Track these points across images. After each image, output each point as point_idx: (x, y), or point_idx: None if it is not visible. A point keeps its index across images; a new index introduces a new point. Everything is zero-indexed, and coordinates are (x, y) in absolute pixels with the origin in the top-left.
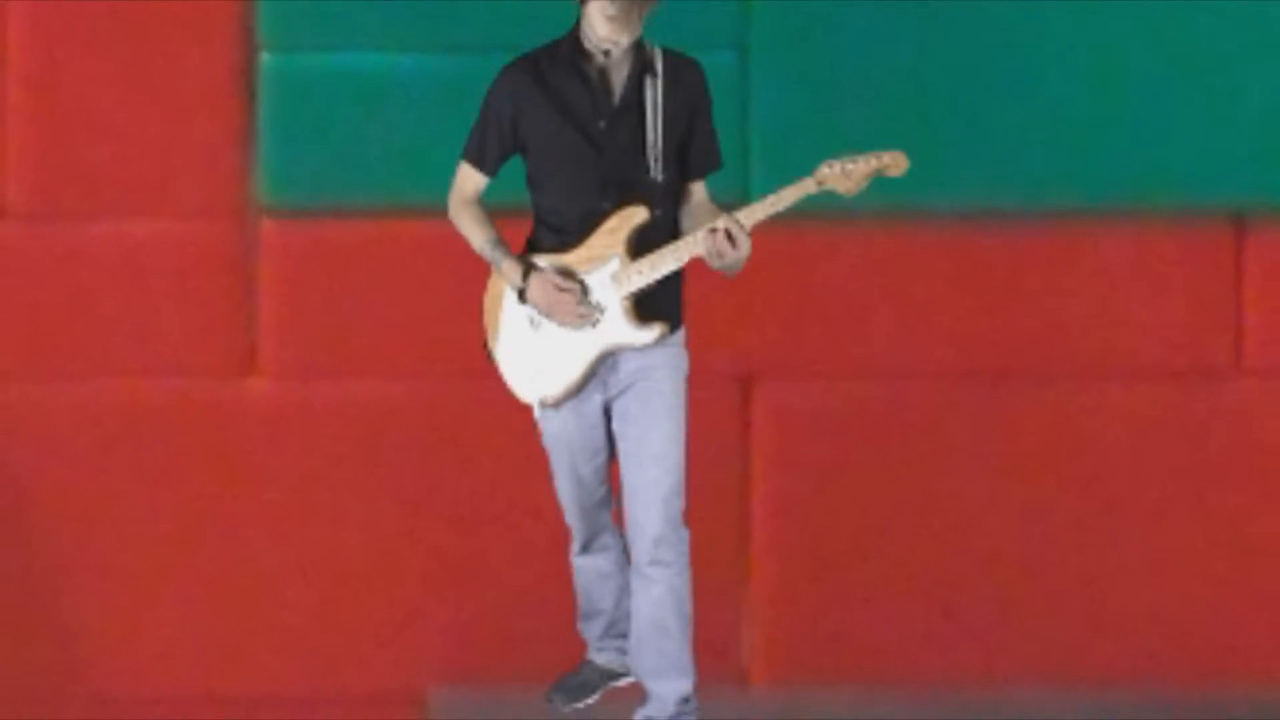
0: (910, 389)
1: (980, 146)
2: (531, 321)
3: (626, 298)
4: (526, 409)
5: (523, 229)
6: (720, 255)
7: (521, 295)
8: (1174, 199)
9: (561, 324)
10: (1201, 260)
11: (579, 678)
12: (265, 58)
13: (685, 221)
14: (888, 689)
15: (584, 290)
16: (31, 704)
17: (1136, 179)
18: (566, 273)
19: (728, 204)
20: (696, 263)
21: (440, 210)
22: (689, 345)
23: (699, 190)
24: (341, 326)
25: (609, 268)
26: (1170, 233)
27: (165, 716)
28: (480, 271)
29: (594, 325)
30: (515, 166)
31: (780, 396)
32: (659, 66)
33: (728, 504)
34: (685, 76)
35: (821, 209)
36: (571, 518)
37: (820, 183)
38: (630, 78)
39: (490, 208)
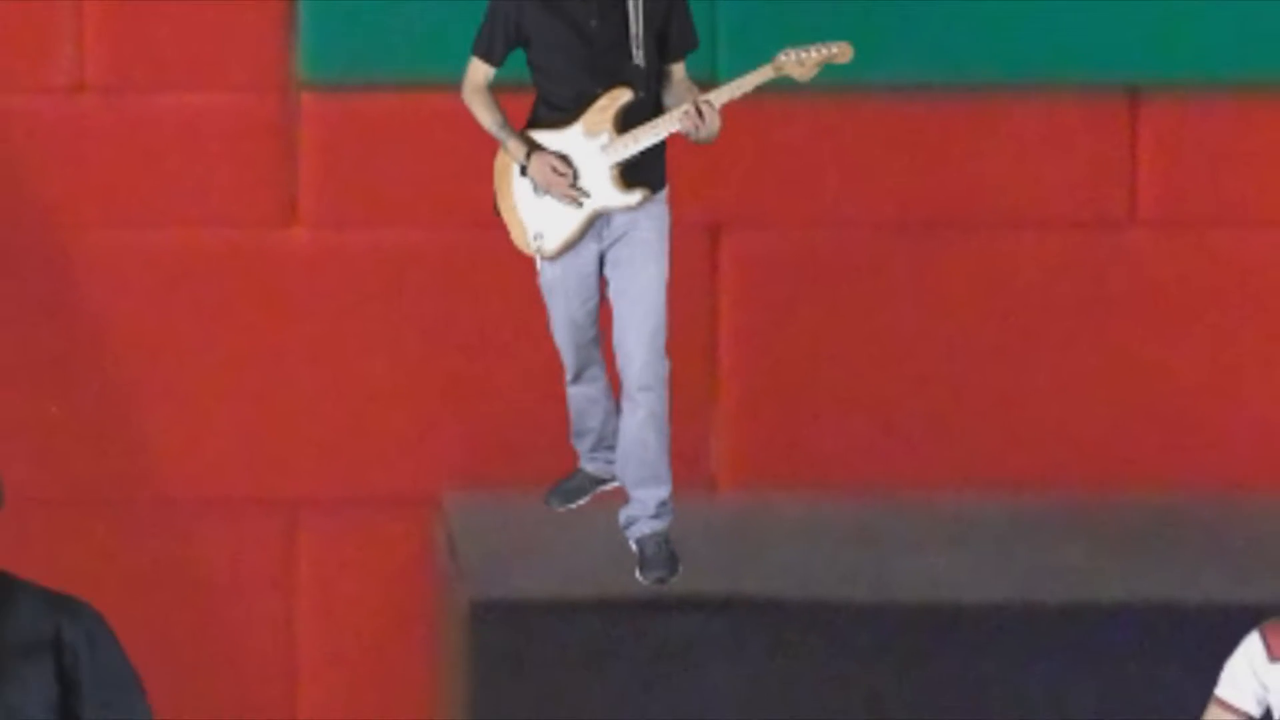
0: (854, 237)
1: (912, 30)
2: (534, 189)
3: (614, 166)
4: (529, 257)
5: (526, 104)
6: (695, 130)
7: (523, 170)
8: (1077, 74)
9: (556, 198)
10: (1101, 127)
11: (572, 483)
12: None
13: (667, 99)
14: (836, 492)
15: (577, 173)
16: (103, 506)
17: (1045, 56)
18: (563, 157)
19: (699, 81)
20: (675, 133)
21: (458, 86)
22: (671, 202)
23: (678, 70)
24: (371, 184)
25: (600, 140)
26: (1074, 102)
27: (218, 517)
28: (492, 140)
29: (578, 205)
30: (517, 55)
31: (743, 244)
32: None
33: (699, 336)
34: None
35: (779, 85)
36: (565, 353)
37: (778, 69)
38: None
39: (497, 87)
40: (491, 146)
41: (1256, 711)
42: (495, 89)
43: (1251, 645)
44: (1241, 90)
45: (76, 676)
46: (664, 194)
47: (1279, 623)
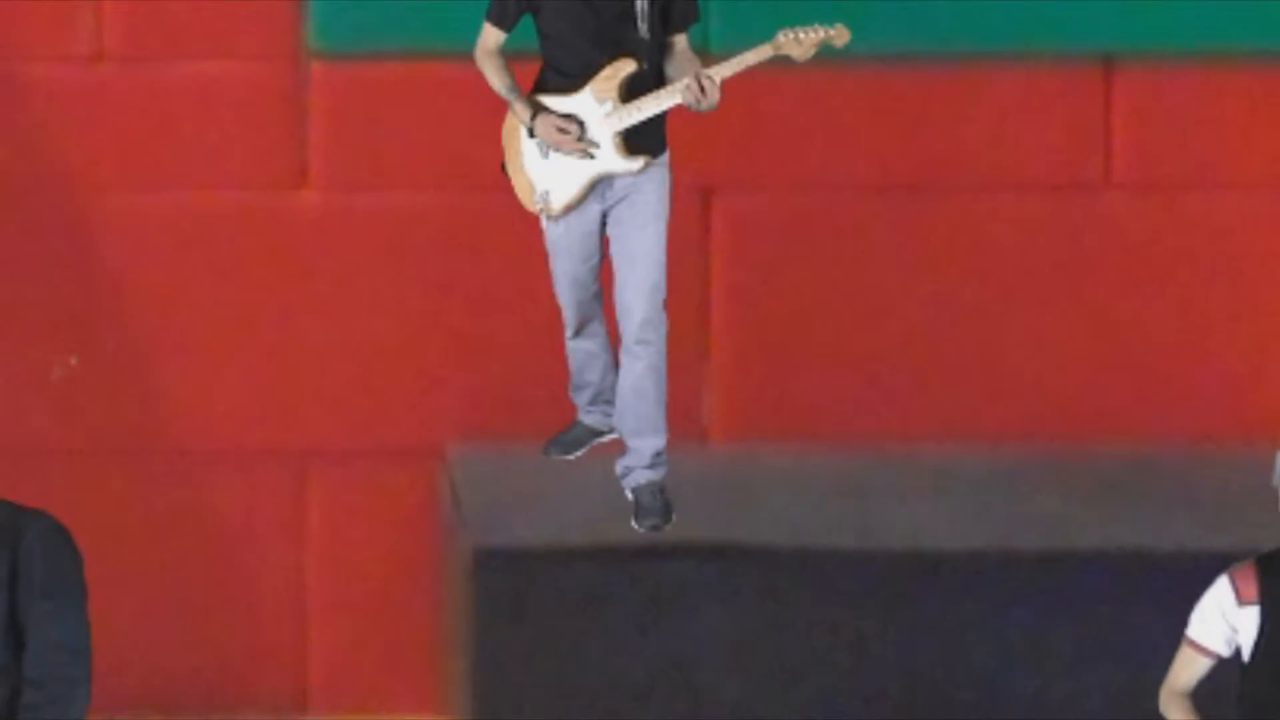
0: (840, 200)
1: (896, 2)
2: (541, 150)
3: (618, 133)
4: (533, 216)
5: (533, 70)
6: (696, 102)
7: (531, 132)
8: (1053, 43)
9: (565, 154)
10: (1077, 94)
11: (570, 434)
12: None
13: (669, 70)
14: (823, 444)
15: (581, 128)
16: (121, 456)
17: (1022, 27)
18: (568, 115)
19: (697, 52)
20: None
21: (464, 54)
22: (671, 166)
23: (681, 41)
24: (378, 149)
25: (604, 108)
26: (1051, 71)
27: (231, 467)
28: (495, 105)
29: (589, 157)
30: (526, 23)
31: (734, 206)
32: None
33: (692, 294)
34: None
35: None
36: (567, 308)
37: (777, 48)
38: None
39: (508, 54)
40: (494, 113)
41: (1226, 651)
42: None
43: (1220, 589)
44: (1211, 59)
45: (30, 574)
46: (665, 158)
47: (1246, 567)
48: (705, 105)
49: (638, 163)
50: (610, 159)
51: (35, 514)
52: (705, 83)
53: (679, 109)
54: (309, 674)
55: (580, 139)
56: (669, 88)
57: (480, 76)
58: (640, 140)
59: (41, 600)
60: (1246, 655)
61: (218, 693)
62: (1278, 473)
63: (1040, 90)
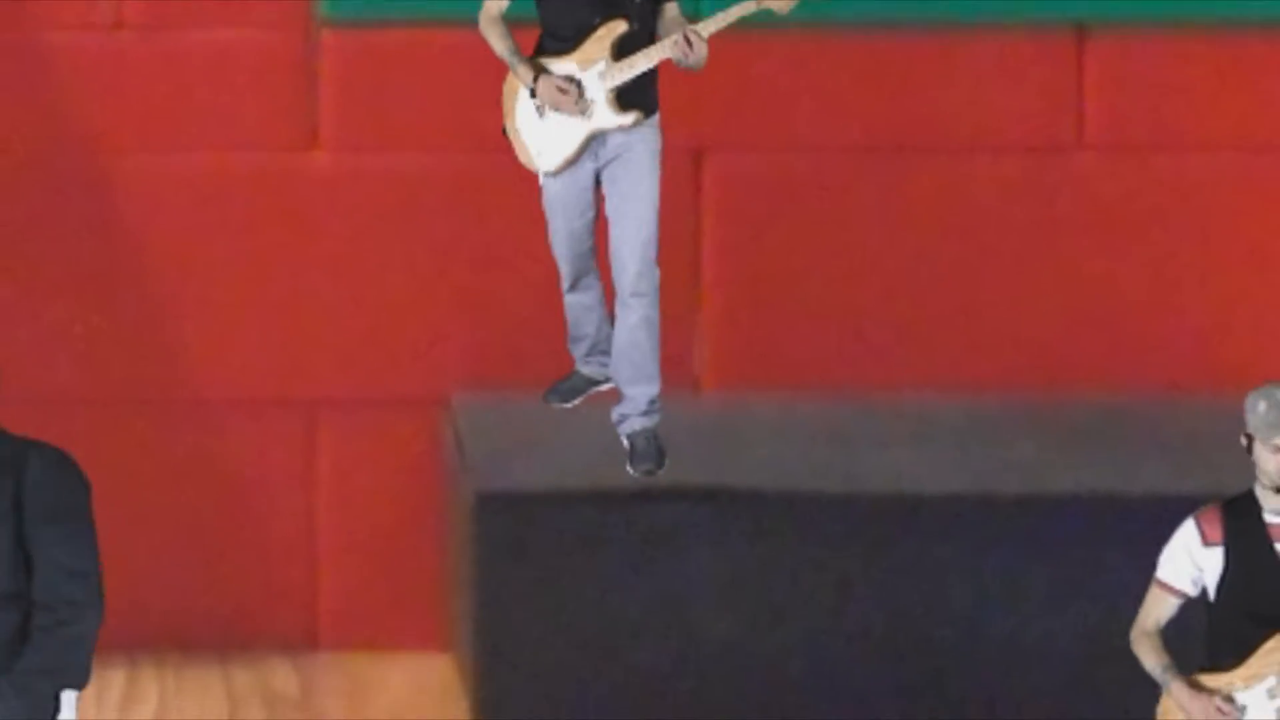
0: (826, 160)
1: None
2: (538, 111)
3: (611, 90)
4: (532, 176)
5: (533, 35)
6: (685, 57)
7: (532, 92)
8: (1029, 13)
9: (565, 114)
10: (1051, 60)
11: (569, 383)
12: None
13: (661, 35)
14: (809, 393)
15: (579, 88)
16: (141, 405)
17: None
18: (568, 76)
19: (687, 15)
20: (666, 63)
21: (465, 22)
22: (662, 127)
23: (672, 9)
24: (385, 113)
25: (598, 67)
26: (1026, 38)
27: (245, 416)
28: (495, 71)
29: (586, 115)
30: None
31: (725, 166)
32: None
33: (685, 249)
34: None
35: (758, 21)
36: (563, 263)
37: (760, 2)
38: None
39: (510, 21)
40: (497, 79)
41: (1193, 591)
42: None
43: (1187, 531)
44: (1179, 27)
45: (35, 500)
46: (656, 119)
47: (1211, 510)
48: (693, 60)
49: (630, 117)
50: (604, 115)
51: (39, 445)
52: (693, 38)
53: (671, 73)
54: (319, 612)
55: (578, 99)
56: (659, 44)
57: (483, 43)
58: (632, 97)
59: (46, 526)
60: (1212, 595)
61: (233, 630)
62: (1253, 417)
63: (1016, 57)
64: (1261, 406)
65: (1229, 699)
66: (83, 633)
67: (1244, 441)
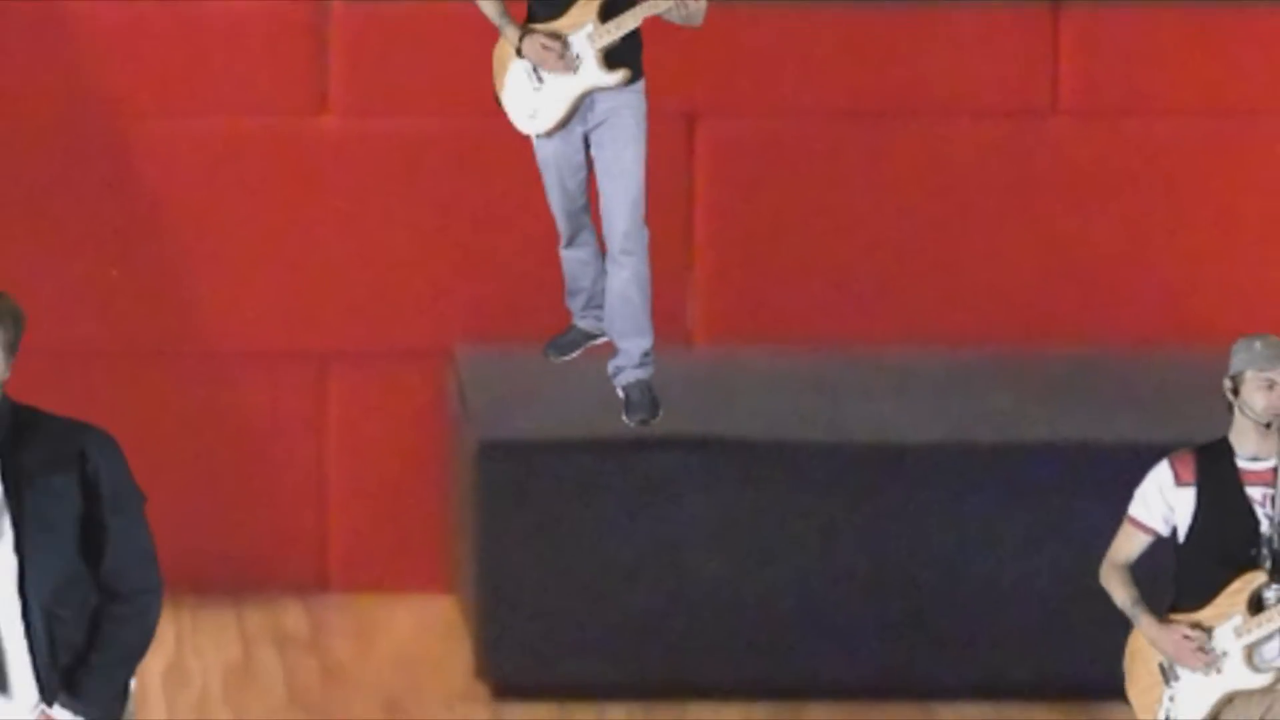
0: (813, 124)
1: None
2: (528, 75)
3: (599, 50)
4: (526, 138)
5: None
6: (681, 7)
7: (519, 52)
8: None
9: (549, 70)
10: (1027, 28)
11: (567, 337)
12: None
13: None
14: (796, 346)
15: (565, 46)
16: (158, 357)
17: None
18: (553, 35)
19: None
20: (658, 31)
21: None
22: (647, 94)
23: None
24: (392, 79)
25: (586, 29)
26: (1005, 8)
27: (258, 367)
28: (494, 40)
29: (575, 71)
30: None
31: (716, 130)
32: None
33: (678, 210)
34: None
35: None
36: (559, 221)
37: None
38: None
39: None
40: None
41: (1164, 530)
42: None
43: (1161, 471)
44: None
45: (99, 488)
46: (641, 85)
47: (1186, 453)
48: (691, 11)
49: (618, 76)
50: (592, 74)
51: (87, 430)
52: None
53: (666, 41)
54: (329, 555)
55: (563, 55)
56: (644, 3)
57: (483, 15)
58: (619, 57)
59: (113, 516)
60: (1182, 536)
61: (246, 573)
62: (1246, 354)
63: (993, 25)
64: (1258, 344)
65: (1195, 625)
66: (156, 618)
67: (1228, 386)
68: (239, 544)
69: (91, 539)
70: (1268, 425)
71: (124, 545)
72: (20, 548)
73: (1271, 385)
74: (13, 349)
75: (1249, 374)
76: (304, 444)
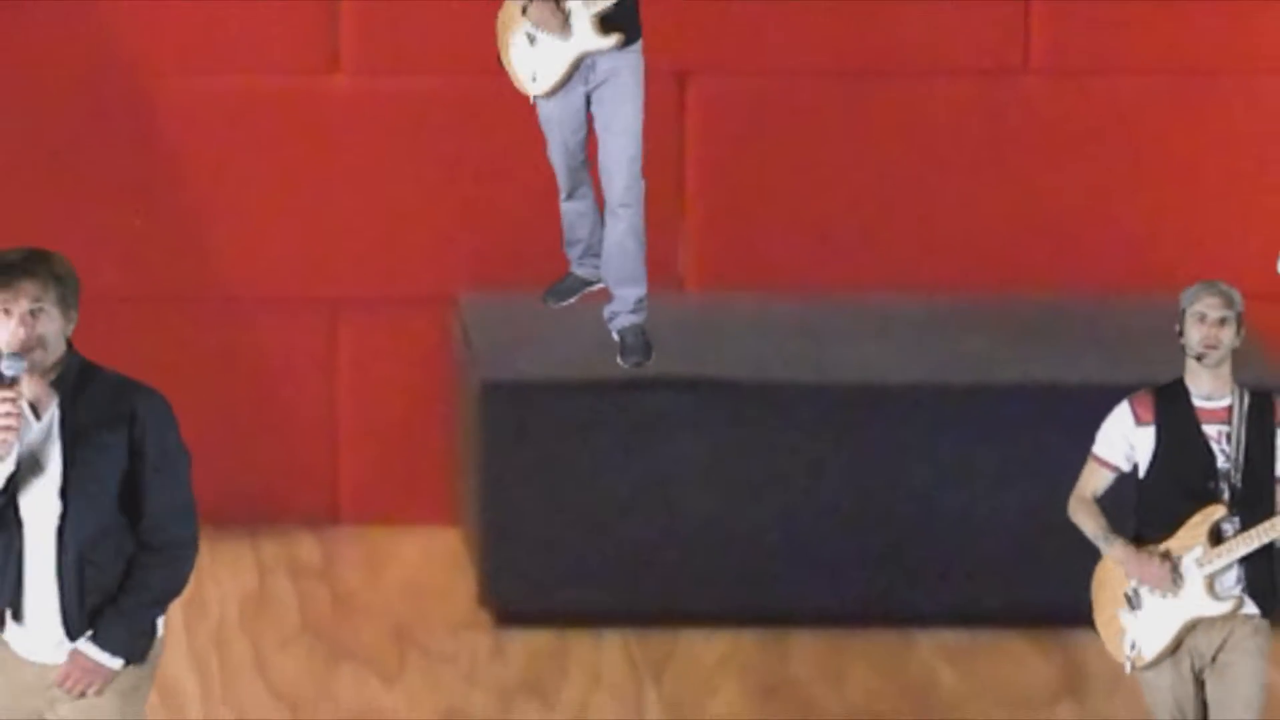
0: (799, 83)
1: None
2: (529, 39)
3: (594, 16)
4: (528, 98)
5: None
6: None
7: (524, 10)
8: None
9: (550, 33)
10: None
11: (565, 284)
12: None
13: None
14: (783, 292)
15: (565, 13)
16: (178, 302)
17: None
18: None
19: None
20: None
21: None
22: (646, 53)
23: None
24: (401, 39)
25: None
26: None
27: (273, 313)
28: (499, 2)
29: (569, 36)
30: None
31: (707, 88)
32: None
33: (670, 164)
34: None
35: None
36: (560, 175)
37: None
38: None
39: None
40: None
41: (1125, 466)
42: None
43: (1122, 411)
44: None
45: (144, 447)
46: (638, 45)
47: (1145, 394)
48: None
49: (612, 39)
50: (588, 38)
51: (142, 390)
52: None
53: (658, 4)
54: (339, 490)
55: (563, 22)
56: None
57: None
58: (614, 21)
59: (156, 474)
60: (1142, 472)
61: (261, 506)
62: (1185, 295)
63: None
64: (1195, 286)
65: (1165, 554)
66: (188, 568)
67: (1177, 329)
68: (255, 479)
69: (134, 493)
70: (1198, 358)
71: (164, 501)
72: (65, 494)
73: (1202, 318)
74: (75, 307)
75: (1187, 312)
76: (317, 385)
